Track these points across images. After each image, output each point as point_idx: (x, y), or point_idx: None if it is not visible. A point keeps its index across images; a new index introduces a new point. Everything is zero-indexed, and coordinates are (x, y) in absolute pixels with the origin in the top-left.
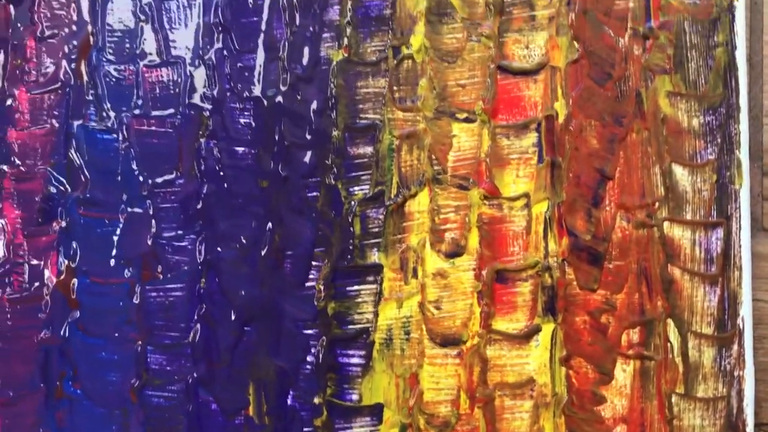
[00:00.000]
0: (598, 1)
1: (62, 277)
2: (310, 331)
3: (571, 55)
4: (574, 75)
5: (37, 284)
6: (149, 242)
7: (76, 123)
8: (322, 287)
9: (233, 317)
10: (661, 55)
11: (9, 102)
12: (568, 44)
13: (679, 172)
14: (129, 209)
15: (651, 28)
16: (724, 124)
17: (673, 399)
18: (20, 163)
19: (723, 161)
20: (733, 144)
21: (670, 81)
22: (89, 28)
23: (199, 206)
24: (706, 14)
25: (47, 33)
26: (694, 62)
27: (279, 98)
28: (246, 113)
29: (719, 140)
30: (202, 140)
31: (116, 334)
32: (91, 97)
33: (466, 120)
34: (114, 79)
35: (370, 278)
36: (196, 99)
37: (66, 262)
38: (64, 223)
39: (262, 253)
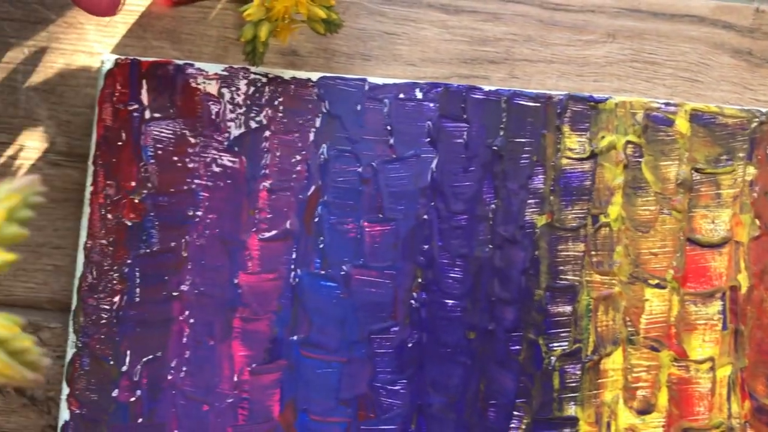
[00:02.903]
0: None
1: (284, 413)
2: None
3: (753, 232)
4: (755, 250)
5: (261, 419)
6: (366, 385)
7: (301, 270)
8: None
9: None
10: None
11: (242, 248)
12: (750, 221)
13: None
14: (348, 353)
15: None
16: None
17: None
18: (249, 305)
19: None
20: None
21: None
22: (317, 184)
23: (411, 353)
24: None
25: (278, 186)
26: None
27: (487, 257)
28: (456, 269)
29: None
30: (416, 292)
31: None
32: (316, 248)
33: (658, 286)
34: (338, 232)
35: (567, 430)
36: (411, 252)
37: (288, 399)
38: (287, 363)
39: (468, 401)
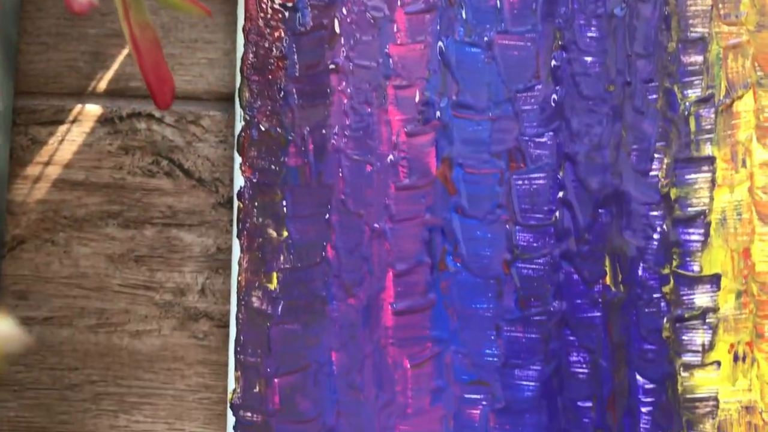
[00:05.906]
0: None
1: (441, 168)
2: (655, 213)
3: None
4: None
5: (420, 174)
6: (514, 139)
7: (446, 39)
8: (664, 176)
9: (589, 201)
10: None
11: (390, 21)
12: None
13: None
14: (496, 111)
15: None
16: None
17: None
18: (400, 74)
19: None
20: None
21: None
22: None
23: (555, 108)
24: None
25: None
26: None
27: (621, 15)
28: (592, 28)
29: None
30: (556, 52)
31: (489, 216)
32: (459, 17)
33: None
34: (478, 1)
35: (705, 168)
36: (549, 15)
37: (444, 155)
38: (440, 123)
39: (611, 147)
